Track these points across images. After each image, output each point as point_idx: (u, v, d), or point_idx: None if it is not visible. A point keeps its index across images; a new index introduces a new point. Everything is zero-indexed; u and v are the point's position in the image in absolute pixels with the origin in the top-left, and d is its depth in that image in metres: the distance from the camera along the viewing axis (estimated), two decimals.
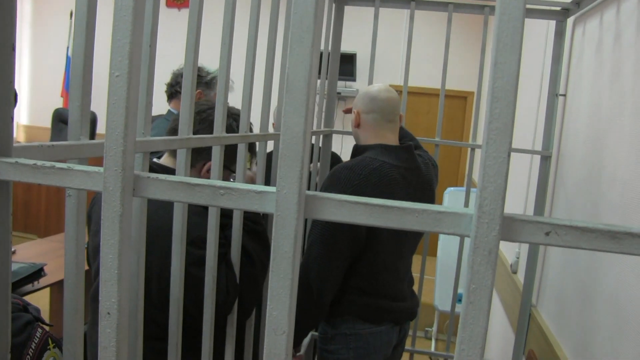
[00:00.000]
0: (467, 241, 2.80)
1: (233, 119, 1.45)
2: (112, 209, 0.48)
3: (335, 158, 2.53)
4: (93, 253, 1.53)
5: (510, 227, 0.44)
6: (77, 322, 0.75)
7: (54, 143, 0.62)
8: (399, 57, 6.17)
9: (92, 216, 1.57)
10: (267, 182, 1.89)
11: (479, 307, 0.43)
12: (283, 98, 0.47)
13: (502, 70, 0.41)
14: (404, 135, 2.11)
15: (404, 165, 1.88)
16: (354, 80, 6.25)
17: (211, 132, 1.24)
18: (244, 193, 0.47)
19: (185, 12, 6.49)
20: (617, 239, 0.44)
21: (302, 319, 1.80)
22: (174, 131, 1.37)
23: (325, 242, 1.74)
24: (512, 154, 2.41)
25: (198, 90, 2.43)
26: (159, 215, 1.25)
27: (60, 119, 5.53)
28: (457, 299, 2.84)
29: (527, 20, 2.32)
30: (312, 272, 1.77)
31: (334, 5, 2.30)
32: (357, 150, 1.96)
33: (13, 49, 0.55)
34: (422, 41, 5.78)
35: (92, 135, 5.51)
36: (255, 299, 1.44)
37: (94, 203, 1.59)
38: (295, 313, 1.59)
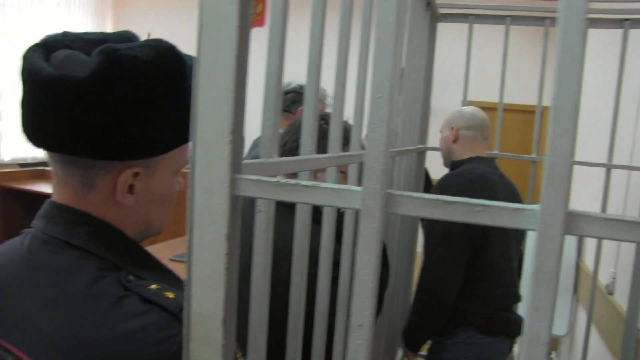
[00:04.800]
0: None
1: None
2: (370, 226, 0.50)
3: (427, 174, 2.54)
4: None
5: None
6: (261, 337, 0.78)
7: (276, 160, 0.66)
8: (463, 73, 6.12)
9: None
10: None
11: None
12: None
13: None
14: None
15: (497, 172, 2.06)
16: None
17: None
18: (499, 210, 0.48)
19: (258, 31, 6.60)
20: None
21: (427, 324, 1.89)
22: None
23: (448, 245, 1.83)
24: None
25: (300, 108, 2.49)
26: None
27: None
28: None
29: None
30: (435, 276, 1.85)
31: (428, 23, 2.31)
32: (455, 164, 2.15)
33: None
34: (485, 56, 5.73)
35: None
36: (377, 316, 1.46)
37: None
38: (420, 318, 1.64)
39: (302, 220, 0.94)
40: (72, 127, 0.72)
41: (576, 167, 3.56)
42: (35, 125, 0.76)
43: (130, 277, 0.75)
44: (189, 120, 0.80)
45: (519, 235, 2.12)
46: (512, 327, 2.02)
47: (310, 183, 0.54)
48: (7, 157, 6.73)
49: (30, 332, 0.73)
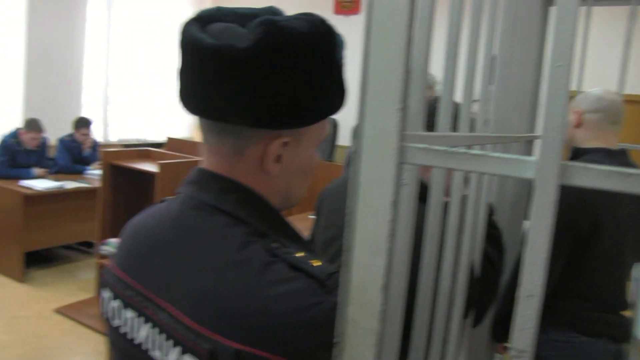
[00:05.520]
0: None
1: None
2: (545, 195, 0.50)
3: None
4: (323, 247, 1.60)
5: None
6: (398, 310, 0.79)
7: (443, 133, 0.67)
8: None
9: (321, 211, 1.64)
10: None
11: None
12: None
13: None
14: None
15: None
16: None
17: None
18: None
19: (353, 19, 6.63)
20: None
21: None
22: None
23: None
24: None
25: None
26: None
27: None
28: None
29: None
30: None
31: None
32: (577, 152, 1.95)
33: None
34: (599, 42, 5.46)
35: None
36: (490, 305, 1.45)
37: (323, 198, 1.66)
38: (508, 308, 1.59)
39: (435, 202, 0.95)
40: (230, 95, 0.75)
41: None
42: (193, 93, 0.80)
43: (276, 244, 0.78)
44: (335, 93, 0.83)
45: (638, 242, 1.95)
46: (616, 330, 1.88)
47: (480, 152, 0.54)
48: (113, 138, 7.17)
49: (183, 293, 0.78)
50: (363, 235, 0.58)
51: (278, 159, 0.82)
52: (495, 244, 1.44)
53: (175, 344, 0.77)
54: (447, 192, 1.42)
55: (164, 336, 0.79)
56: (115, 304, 0.87)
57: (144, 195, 4.61)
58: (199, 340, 0.74)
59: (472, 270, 1.38)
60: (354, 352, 0.61)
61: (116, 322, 0.87)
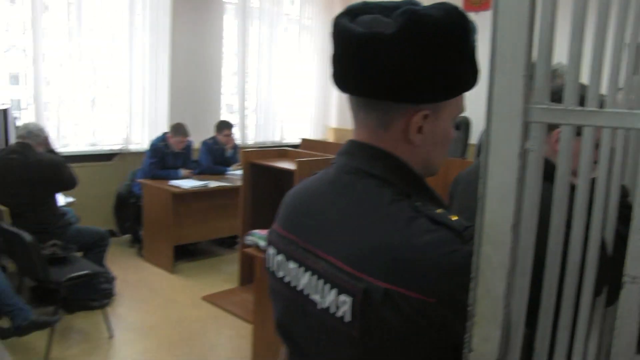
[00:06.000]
0: None
1: None
2: None
3: None
4: None
5: None
6: (526, 277, 0.88)
7: (571, 108, 0.76)
8: None
9: (455, 195, 1.74)
10: None
11: None
12: None
13: None
14: None
15: None
16: None
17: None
18: None
19: (483, 15, 6.57)
20: None
21: None
22: None
23: None
24: None
25: None
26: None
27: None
28: None
29: None
30: None
31: None
32: None
33: None
34: None
35: None
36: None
37: (457, 183, 1.75)
38: None
39: (562, 174, 1.03)
40: (379, 74, 0.89)
41: None
42: (346, 75, 0.95)
43: (419, 203, 0.91)
44: (469, 72, 0.94)
45: None
46: None
47: (596, 108, 0.64)
48: (250, 141, 7.65)
49: (340, 243, 0.93)
50: (494, 181, 0.70)
51: (419, 130, 0.94)
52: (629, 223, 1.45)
53: (332, 287, 0.91)
54: (575, 174, 1.47)
55: (322, 281, 0.94)
56: (279, 257, 1.04)
57: (282, 193, 4.86)
58: (354, 281, 0.88)
59: (603, 248, 1.42)
60: (487, 284, 0.72)
61: (280, 274, 1.04)
